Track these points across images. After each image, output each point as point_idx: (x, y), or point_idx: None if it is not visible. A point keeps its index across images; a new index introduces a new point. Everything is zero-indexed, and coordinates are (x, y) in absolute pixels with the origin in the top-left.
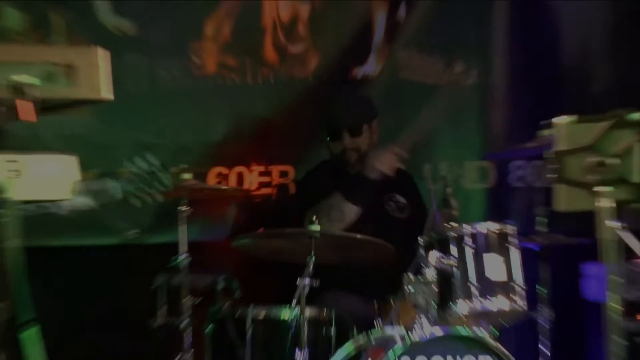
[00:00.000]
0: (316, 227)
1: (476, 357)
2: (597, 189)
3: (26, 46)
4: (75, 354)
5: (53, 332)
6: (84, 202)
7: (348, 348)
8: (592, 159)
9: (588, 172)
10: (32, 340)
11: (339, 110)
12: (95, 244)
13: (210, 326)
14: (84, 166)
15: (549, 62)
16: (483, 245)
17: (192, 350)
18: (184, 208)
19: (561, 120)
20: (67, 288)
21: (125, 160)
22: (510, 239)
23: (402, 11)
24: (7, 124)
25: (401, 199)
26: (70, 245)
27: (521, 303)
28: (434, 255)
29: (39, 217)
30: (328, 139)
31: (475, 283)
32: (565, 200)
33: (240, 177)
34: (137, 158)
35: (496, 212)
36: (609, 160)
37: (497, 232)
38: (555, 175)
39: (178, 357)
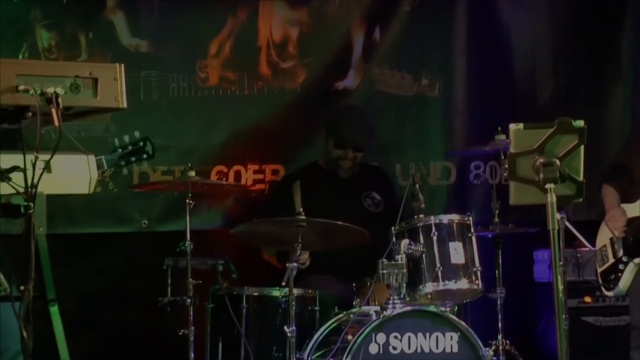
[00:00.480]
0: (303, 217)
1: (443, 334)
2: (544, 185)
3: (57, 62)
4: (92, 328)
5: (71, 310)
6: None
7: (330, 324)
8: (540, 160)
9: (537, 171)
10: (55, 316)
11: (354, 127)
12: (111, 232)
13: (211, 304)
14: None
15: (503, 76)
16: (446, 234)
17: (195, 325)
18: (189, 201)
19: (513, 126)
20: (86, 271)
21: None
22: (469, 228)
23: (377, 33)
24: (41, 128)
25: (377, 196)
26: (89, 232)
27: (479, 284)
28: (404, 243)
29: (62, 208)
30: (334, 142)
31: (440, 266)
32: (518, 195)
33: (237, 175)
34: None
35: (457, 206)
36: (554, 161)
37: (459, 222)
38: (509, 174)
39: (182, 331)
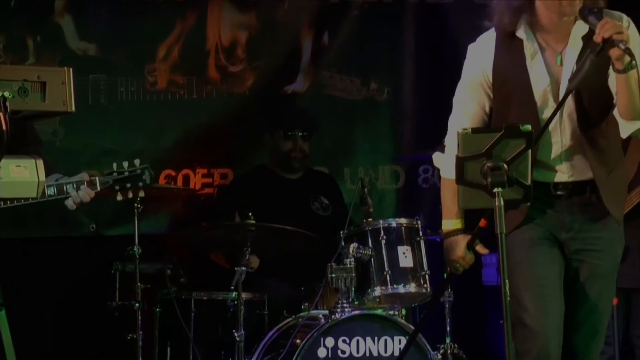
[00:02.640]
0: (252, 221)
1: (391, 338)
2: (492, 189)
3: (5, 66)
4: (40, 332)
5: (19, 314)
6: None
7: (279, 328)
8: (488, 164)
9: (484, 175)
10: (3, 320)
11: (298, 113)
12: (59, 236)
13: (160, 308)
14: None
15: (451, 80)
16: (395, 237)
17: (144, 329)
18: (137, 205)
19: (461, 130)
20: (33, 275)
21: (85, 164)
22: (418, 232)
23: (325, 37)
24: None
25: (325, 200)
26: (37, 237)
27: (427, 287)
28: (353, 247)
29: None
30: (281, 133)
31: (388, 270)
32: (466, 199)
33: (186, 179)
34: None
35: (406, 210)
36: (502, 165)
37: (407, 226)
38: (457, 178)
39: (130, 335)
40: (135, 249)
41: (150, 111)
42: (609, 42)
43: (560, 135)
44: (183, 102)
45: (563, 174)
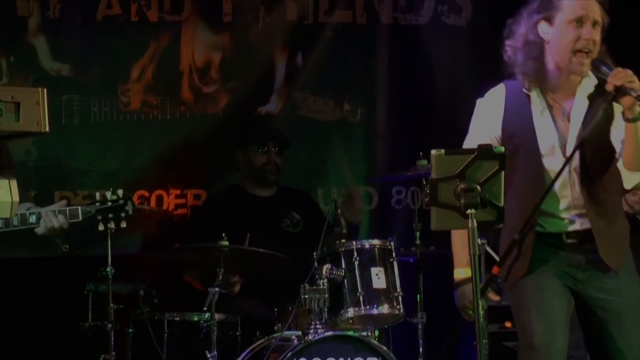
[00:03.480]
0: (225, 242)
1: (364, 359)
2: (465, 211)
3: None
4: (12, 354)
5: None
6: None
7: (252, 349)
8: (461, 185)
9: (458, 196)
10: None
11: (270, 128)
12: (32, 256)
13: (133, 329)
14: (25, 189)
15: (424, 102)
16: (368, 259)
17: (116, 350)
18: (110, 225)
19: (434, 152)
20: (5, 296)
21: (58, 184)
22: (391, 253)
23: (299, 59)
24: None
25: (296, 216)
26: (9, 257)
27: (400, 309)
28: (326, 268)
29: None
30: (255, 147)
31: (362, 291)
32: (439, 220)
33: (159, 199)
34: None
35: (379, 231)
36: (475, 187)
37: (380, 247)
38: (430, 199)
39: (103, 356)
40: (108, 269)
41: (124, 132)
42: (621, 90)
43: (570, 188)
44: (156, 122)
45: (574, 224)
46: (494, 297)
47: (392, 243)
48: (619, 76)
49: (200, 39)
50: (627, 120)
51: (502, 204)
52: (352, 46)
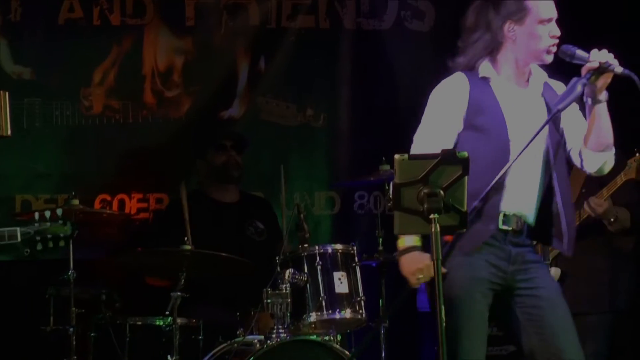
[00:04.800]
0: (187, 247)
1: None
2: (428, 216)
3: None
4: None
5: None
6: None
7: (214, 353)
8: (424, 190)
9: (421, 201)
10: None
11: (228, 126)
12: None
13: (94, 333)
14: None
15: (387, 107)
16: (330, 263)
17: (78, 354)
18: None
19: (398, 156)
20: None
21: (20, 188)
22: (353, 258)
23: (262, 63)
24: None
25: (260, 225)
26: None
27: (362, 313)
28: (288, 272)
29: None
30: (214, 149)
31: (324, 296)
32: (402, 225)
33: (121, 203)
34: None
35: (342, 235)
36: (438, 191)
37: (343, 252)
38: (393, 204)
39: None
40: (70, 273)
41: (86, 135)
42: (601, 68)
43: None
44: (119, 126)
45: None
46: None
47: (355, 248)
48: (602, 54)
49: (162, 43)
50: (597, 102)
51: (465, 208)
52: (315, 51)
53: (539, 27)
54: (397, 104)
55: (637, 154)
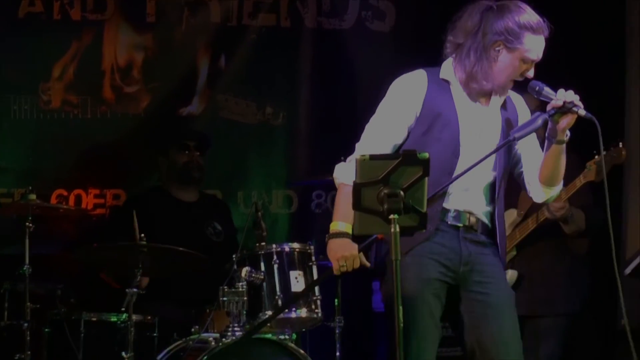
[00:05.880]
0: (144, 243)
1: None
2: (388, 216)
3: None
4: None
5: None
6: None
7: (169, 350)
8: (385, 191)
9: (381, 201)
10: None
11: (187, 124)
12: None
13: (49, 329)
14: None
15: (347, 106)
16: (287, 262)
17: (32, 350)
18: (28, 224)
19: (359, 156)
20: None
21: None
22: (310, 257)
23: (222, 61)
24: None
25: (218, 226)
26: None
27: (318, 312)
28: (245, 270)
29: None
30: (176, 148)
31: (280, 295)
32: (362, 225)
33: (78, 199)
34: None
35: (299, 234)
36: (399, 192)
37: (300, 251)
38: (354, 204)
39: (18, 355)
40: (25, 268)
41: (44, 130)
42: (566, 107)
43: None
44: (77, 121)
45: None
46: (365, 261)
47: (312, 247)
48: (568, 94)
49: (123, 39)
50: (557, 142)
51: (424, 209)
52: (276, 49)
53: (520, 62)
54: (356, 104)
55: (596, 156)
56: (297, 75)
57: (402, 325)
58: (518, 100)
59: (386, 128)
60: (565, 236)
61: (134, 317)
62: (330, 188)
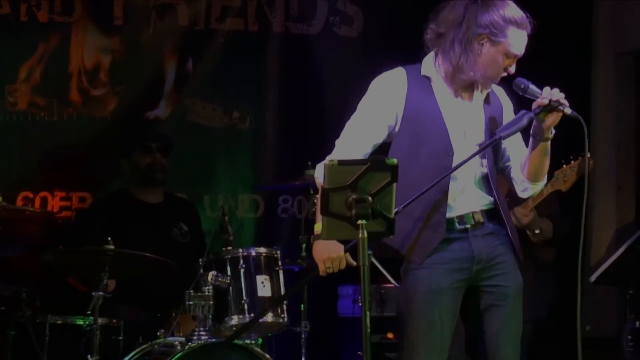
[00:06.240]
0: (110, 246)
1: None
2: (356, 221)
3: None
4: None
5: None
6: None
7: (134, 354)
8: (353, 196)
9: (349, 207)
10: None
11: (153, 127)
12: None
13: (13, 331)
14: None
15: (315, 111)
16: (254, 266)
17: None
18: None
19: (327, 162)
20: None
21: None
22: (277, 262)
23: (189, 64)
24: None
25: (184, 227)
26: None
27: (284, 317)
28: (211, 275)
29: None
30: (139, 150)
31: (246, 299)
32: (330, 230)
33: (44, 201)
34: None
35: (265, 239)
36: (367, 197)
37: (266, 255)
38: (322, 209)
39: None
40: None
41: (10, 132)
42: (551, 106)
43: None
44: (43, 123)
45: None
46: (351, 260)
47: (278, 251)
48: (554, 92)
49: (90, 41)
50: (543, 139)
51: (392, 215)
52: (243, 54)
53: (503, 57)
54: (324, 109)
55: (564, 165)
56: (264, 79)
57: (369, 330)
58: (500, 93)
59: (366, 127)
60: (532, 244)
61: (100, 320)
62: (297, 193)
